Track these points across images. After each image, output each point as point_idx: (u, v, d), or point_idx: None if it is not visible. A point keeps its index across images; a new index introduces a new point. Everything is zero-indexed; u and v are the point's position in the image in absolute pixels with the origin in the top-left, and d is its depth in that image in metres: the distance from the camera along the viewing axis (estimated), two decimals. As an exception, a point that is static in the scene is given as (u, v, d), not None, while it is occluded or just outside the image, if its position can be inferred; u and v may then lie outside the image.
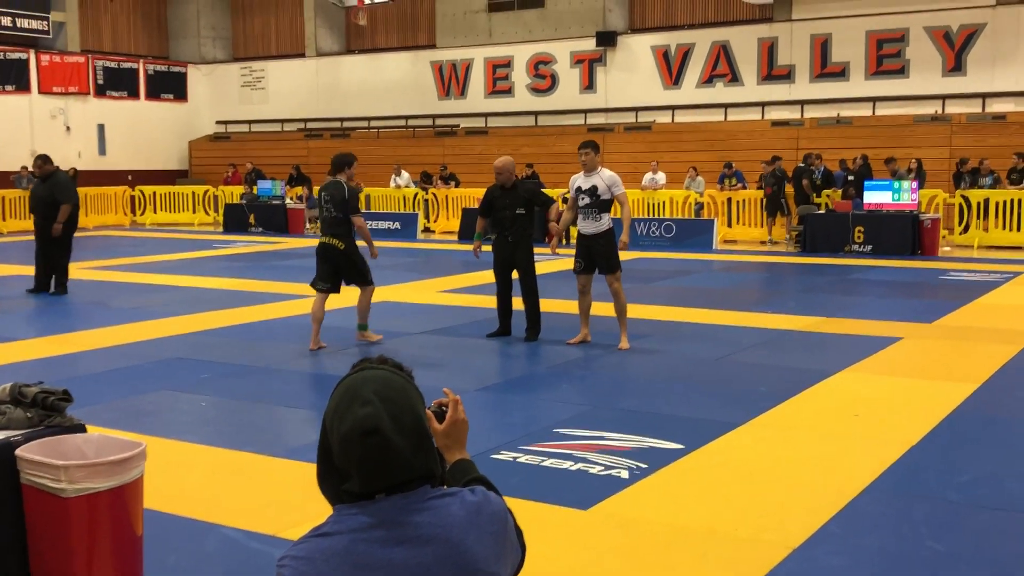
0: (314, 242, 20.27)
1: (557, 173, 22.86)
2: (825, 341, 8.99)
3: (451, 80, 26.33)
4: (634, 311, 10.59)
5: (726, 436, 5.87)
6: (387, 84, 27.16)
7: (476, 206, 20.45)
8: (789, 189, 18.84)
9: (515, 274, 8.95)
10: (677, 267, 15.36)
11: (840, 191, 18.63)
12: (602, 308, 9.91)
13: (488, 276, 13.61)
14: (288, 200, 22.91)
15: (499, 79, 25.80)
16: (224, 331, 9.53)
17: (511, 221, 8.81)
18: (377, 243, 21.56)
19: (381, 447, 1.71)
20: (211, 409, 6.69)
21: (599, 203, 8.39)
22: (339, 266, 8.44)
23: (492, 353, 8.54)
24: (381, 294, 12.03)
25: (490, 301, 10.32)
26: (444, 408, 1.97)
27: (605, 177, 8.43)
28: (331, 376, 7.60)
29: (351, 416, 1.73)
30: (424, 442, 1.78)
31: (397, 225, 21.39)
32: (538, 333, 8.94)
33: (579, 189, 8.42)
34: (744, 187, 19.93)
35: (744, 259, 16.68)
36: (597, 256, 8.44)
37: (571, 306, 10.30)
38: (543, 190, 9.50)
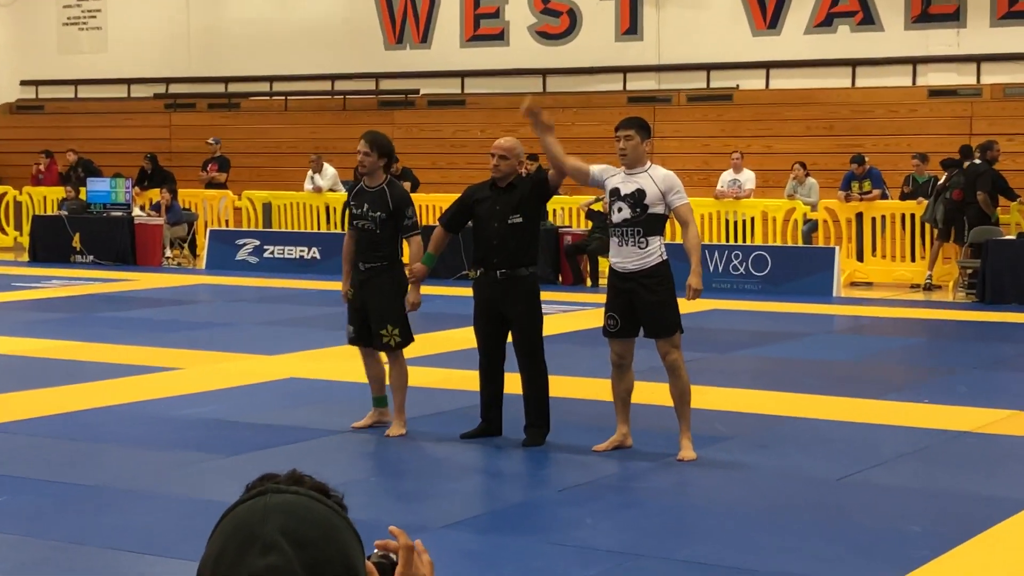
0: (179, 279, 20.34)
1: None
2: (1017, 450, 9.02)
3: (407, 18, 26.57)
4: (703, 397, 10.63)
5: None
6: (302, 25, 27.40)
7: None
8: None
9: (510, 334, 8.97)
10: (774, 326, 15.44)
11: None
12: (649, 392, 9.94)
13: (463, 337, 13.66)
14: (138, 211, 23.05)
15: (484, 17, 26.03)
16: (31, 425, 9.55)
17: (502, 240, 8.75)
18: (285, 282, 21.83)
19: None
20: (6, 558, 6.68)
21: (646, 219, 8.40)
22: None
23: (471, 467, 8.56)
24: (286, 366, 12.07)
25: (467, 379, 10.35)
26: (392, 558, 2.00)
27: (657, 178, 8.51)
28: (215, 505, 7.62)
29: (244, 571, 1.76)
30: None
31: (316, 254, 21.51)
32: (546, 434, 8.95)
33: (616, 194, 8.49)
34: (884, 195, 20.10)
35: (884, 314, 16.74)
36: (642, 308, 8.44)
37: (598, 388, 10.33)
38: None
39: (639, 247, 8.35)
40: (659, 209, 8.42)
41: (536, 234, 9.01)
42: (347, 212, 9.24)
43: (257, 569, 1.75)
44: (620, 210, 8.42)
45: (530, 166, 21.39)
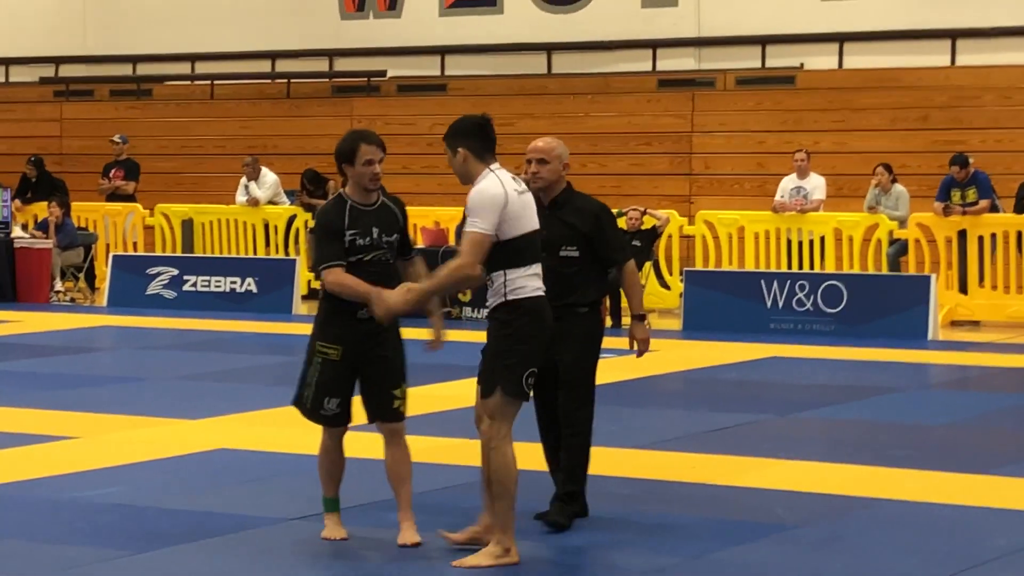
0: (73, 319, 20.31)
1: (594, 174, 23.09)
2: None
3: (369, -22, 26.65)
4: (758, 473, 10.62)
5: None
6: (233, -15, 27.46)
7: (423, 241, 20.57)
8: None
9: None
10: (851, 379, 15.44)
11: None
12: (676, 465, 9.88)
13: (453, 395, 13.65)
14: (19, 231, 23.04)
15: (471, -24, 26.12)
16: None
17: (555, 274, 8.93)
18: (211, 323, 21.61)
19: None
20: None
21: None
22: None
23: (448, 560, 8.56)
24: (213, 434, 12.03)
25: (463, 451, 10.34)
26: None
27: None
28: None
29: None
30: None
31: (251, 286, 21.50)
32: (572, 511, 9.05)
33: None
34: (995, 206, 20.11)
35: (995, 362, 16.72)
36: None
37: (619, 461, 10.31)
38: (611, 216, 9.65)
39: (489, 284, 8.36)
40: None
41: (594, 264, 9.24)
42: (344, 244, 8.68)
43: None
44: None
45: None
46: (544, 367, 8.50)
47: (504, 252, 8.15)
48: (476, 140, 8.46)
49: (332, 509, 8.89)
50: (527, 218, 8.25)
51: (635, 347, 9.22)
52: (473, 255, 8.03)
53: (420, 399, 13.62)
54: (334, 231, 8.70)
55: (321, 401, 8.75)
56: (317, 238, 8.80)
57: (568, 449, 9.10)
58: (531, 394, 8.30)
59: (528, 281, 8.22)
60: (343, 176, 9.04)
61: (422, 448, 11.41)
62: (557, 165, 9.08)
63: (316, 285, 22.37)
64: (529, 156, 9.11)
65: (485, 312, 8.58)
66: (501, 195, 8.07)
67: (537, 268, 8.29)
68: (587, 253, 9.02)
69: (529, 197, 8.35)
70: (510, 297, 8.20)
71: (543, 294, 8.29)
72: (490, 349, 8.26)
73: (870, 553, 8.76)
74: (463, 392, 13.82)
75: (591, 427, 9.19)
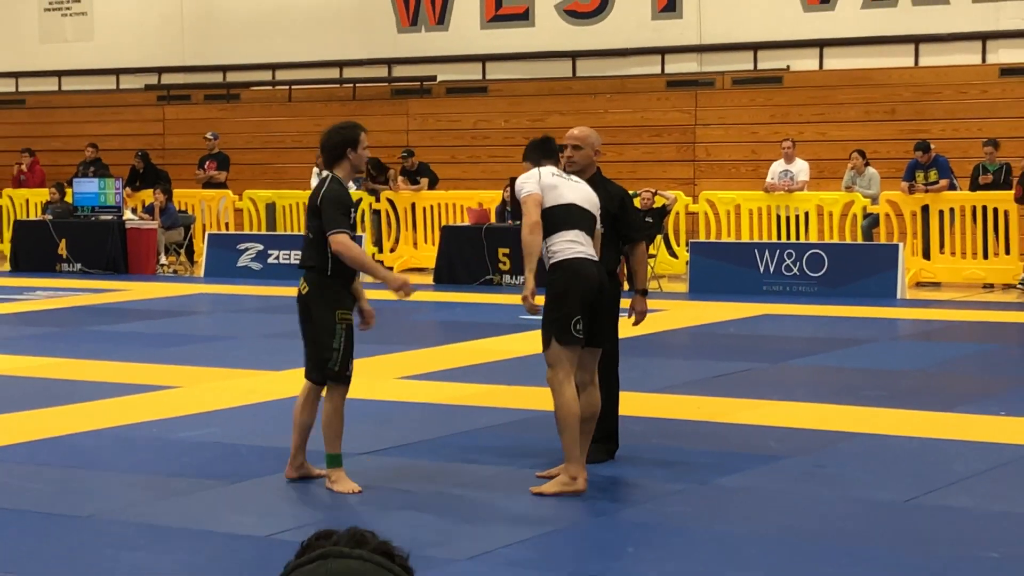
0: (175, 288, 20.42)
1: (613, 161, 23.01)
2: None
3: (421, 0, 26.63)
4: (753, 412, 10.61)
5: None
6: (307, 8, 27.46)
7: (468, 220, 20.58)
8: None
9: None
10: (831, 332, 15.41)
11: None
12: (682, 406, 9.89)
13: (497, 348, 13.67)
14: (129, 214, 23.14)
15: (507, -5, 26.09)
16: (15, 451, 9.58)
17: None
18: (292, 290, 21.46)
19: None
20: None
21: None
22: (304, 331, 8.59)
23: (501, 491, 8.55)
24: (294, 383, 12.07)
25: (499, 395, 10.36)
26: None
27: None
28: (215, 536, 7.63)
29: None
30: None
31: (325, 258, 21.53)
32: (606, 450, 9.05)
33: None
34: (953, 185, 20.04)
35: (954, 317, 16.68)
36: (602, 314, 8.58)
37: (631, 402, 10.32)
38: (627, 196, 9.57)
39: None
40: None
41: (619, 240, 9.08)
42: (350, 218, 8.57)
43: None
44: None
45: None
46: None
47: (546, 221, 8.21)
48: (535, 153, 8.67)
49: (340, 464, 8.48)
50: (560, 193, 8.31)
51: (633, 317, 9.11)
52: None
53: (468, 353, 13.67)
54: (347, 205, 8.49)
55: (348, 364, 8.41)
56: (333, 206, 8.38)
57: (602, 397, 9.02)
58: (582, 339, 8.20)
59: (565, 246, 8.24)
60: (333, 161, 8.53)
61: (470, 394, 11.46)
62: (589, 151, 8.98)
63: (380, 258, 22.50)
64: (565, 142, 9.03)
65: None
66: (535, 173, 8.35)
67: (575, 235, 8.26)
68: (610, 229, 8.97)
69: (564, 179, 8.39)
70: (551, 260, 8.26)
71: (583, 256, 8.26)
72: (544, 309, 8.25)
73: (849, 478, 8.75)
74: (505, 346, 13.88)
75: (618, 376, 9.17)
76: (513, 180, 8.57)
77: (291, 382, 12.18)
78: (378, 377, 12.42)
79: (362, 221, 22.75)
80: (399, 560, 1.83)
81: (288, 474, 8.58)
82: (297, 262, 9.28)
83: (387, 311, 18.15)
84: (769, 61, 24.11)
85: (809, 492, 8.40)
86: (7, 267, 23.35)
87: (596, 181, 9.02)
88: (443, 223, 21.62)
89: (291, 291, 13.79)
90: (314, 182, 23.58)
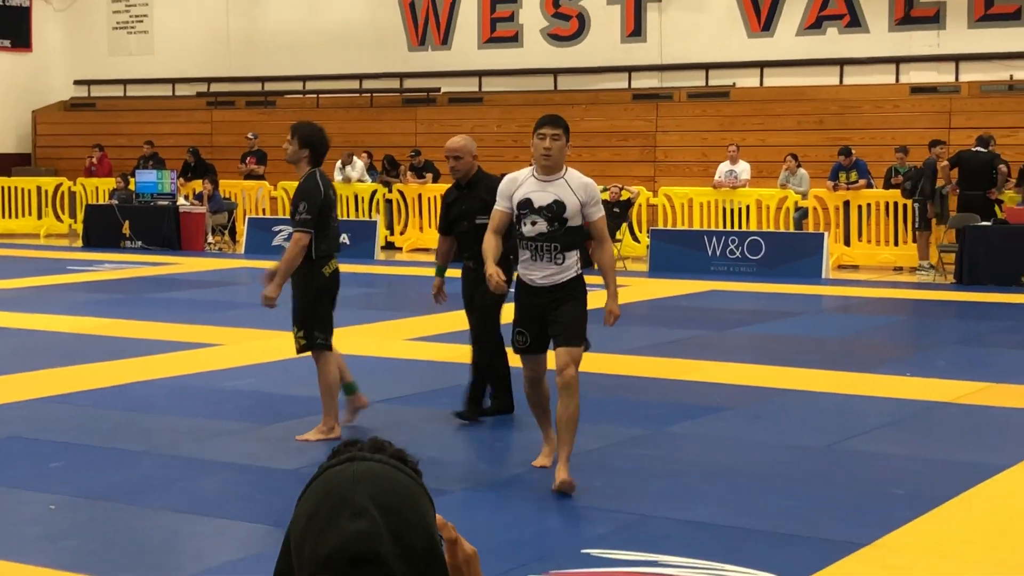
0: (220, 263, 20.39)
1: (587, 161, 22.97)
2: (991, 419, 9.00)
3: (428, 22, 26.54)
4: (701, 371, 10.62)
5: (842, 563, 5.88)
6: (332, 28, 27.39)
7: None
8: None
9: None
10: (767, 305, 15.42)
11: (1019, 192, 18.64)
12: (640, 365, 9.89)
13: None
14: (182, 200, 23.09)
15: (500, 20, 26.00)
16: (85, 397, 9.59)
17: (471, 238, 8.34)
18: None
19: None
20: (65, 516, 6.71)
21: (564, 233, 7.02)
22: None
23: (476, 437, 8.56)
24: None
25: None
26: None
27: (576, 187, 7.07)
28: (253, 469, 7.63)
29: (336, 533, 1.74)
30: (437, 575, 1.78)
31: (346, 239, 21.49)
32: (478, 408, 8.76)
33: (527, 206, 7.04)
34: (869, 184, 20.04)
35: (869, 294, 16.71)
36: (552, 315, 7.07)
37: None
38: None
39: (555, 263, 6.99)
40: (577, 222, 7.04)
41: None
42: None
43: (349, 532, 1.75)
44: (534, 223, 6.98)
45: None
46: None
47: (583, 235, 7.17)
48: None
49: (354, 391, 8.59)
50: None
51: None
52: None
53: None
54: (322, 204, 7.98)
55: (330, 329, 8.31)
56: (310, 205, 7.93)
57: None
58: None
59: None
60: (313, 160, 8.15)
61: (467, 352, 11.44)
62: (468, 158, 8.68)
63: (392, 239, 22.52)
64: (447, 153, 8.76)
65: (541, 281, 7.06)
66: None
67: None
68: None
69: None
70: (580, 272, 7.16)
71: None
72: (575, 311, 7.05)
73: (783, 426, 8.76)
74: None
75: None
76: (503, 176, 8.22)
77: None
78: (389, 338, 12.41)
79: (377, 208, 22.77)
80: (411, 464, 1.87)
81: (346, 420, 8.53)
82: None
83: (399, 284, 18.23)
84: (718, 79, 24.10)
85: (748, 438, 8.41)
86: (80, 243, 23.38)
87: (478, 178, 8.68)
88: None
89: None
90: (337, 175, 23.63)
